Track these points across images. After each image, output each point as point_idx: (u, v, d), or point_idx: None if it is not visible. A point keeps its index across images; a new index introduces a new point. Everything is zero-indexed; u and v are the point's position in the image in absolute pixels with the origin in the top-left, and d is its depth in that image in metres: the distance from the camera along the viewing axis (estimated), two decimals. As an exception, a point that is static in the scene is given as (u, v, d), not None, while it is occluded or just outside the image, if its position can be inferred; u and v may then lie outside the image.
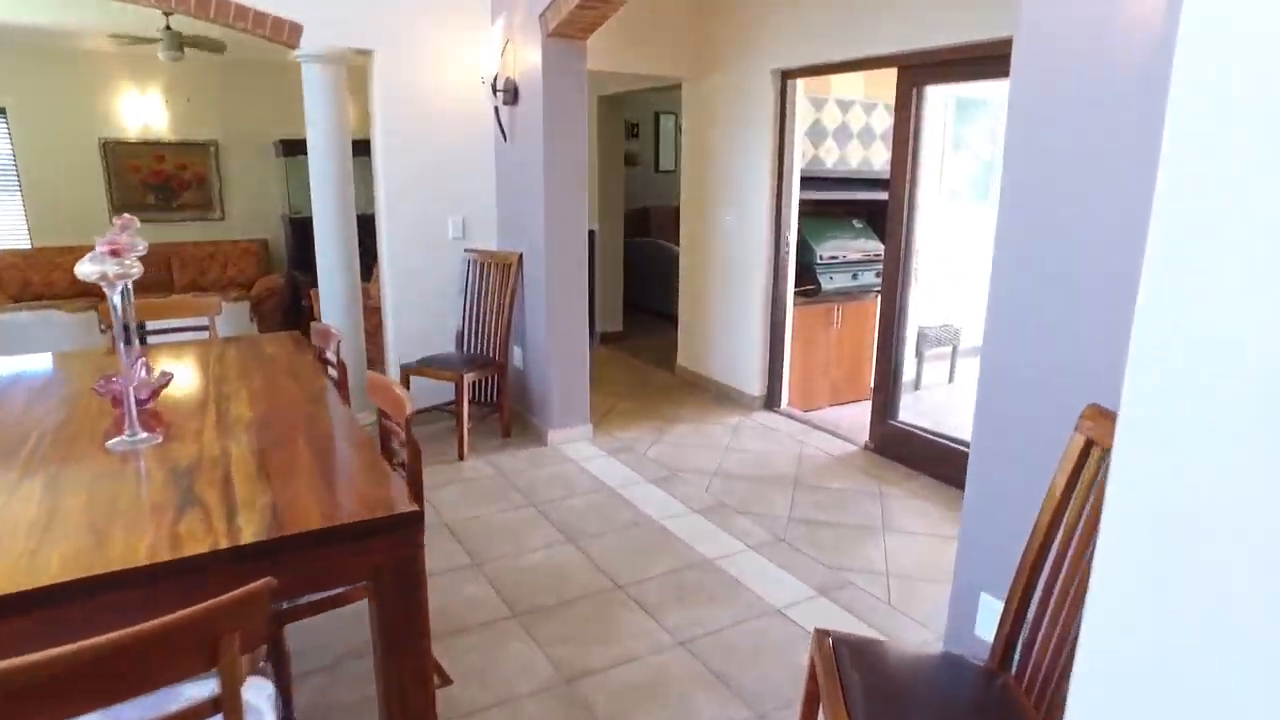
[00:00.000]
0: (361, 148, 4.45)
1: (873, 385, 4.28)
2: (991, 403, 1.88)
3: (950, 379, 5.54)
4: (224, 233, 7.23)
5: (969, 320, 5.40)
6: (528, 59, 3.95)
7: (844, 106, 5.04)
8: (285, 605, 1.84)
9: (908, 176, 3.85)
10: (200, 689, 1.32)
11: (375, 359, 4.91)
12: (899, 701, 1.56)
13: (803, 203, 4.69)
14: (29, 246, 6.52)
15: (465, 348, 4.41)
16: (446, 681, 2.21)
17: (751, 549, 3.05)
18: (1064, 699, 0.80)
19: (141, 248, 2.26)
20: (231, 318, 4.69)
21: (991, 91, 5.45)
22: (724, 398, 5.04)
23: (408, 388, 4.13)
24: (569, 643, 2.43)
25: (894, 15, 3.66)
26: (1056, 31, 1.67)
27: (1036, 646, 1.53)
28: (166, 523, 1.50)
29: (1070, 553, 1.50)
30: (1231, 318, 0.56)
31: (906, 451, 3.96)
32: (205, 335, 3.32)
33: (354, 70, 4.34)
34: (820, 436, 4.38)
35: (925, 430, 3.93)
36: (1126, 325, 1.59)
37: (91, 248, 1.86)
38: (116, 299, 1.89)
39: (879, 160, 5.22)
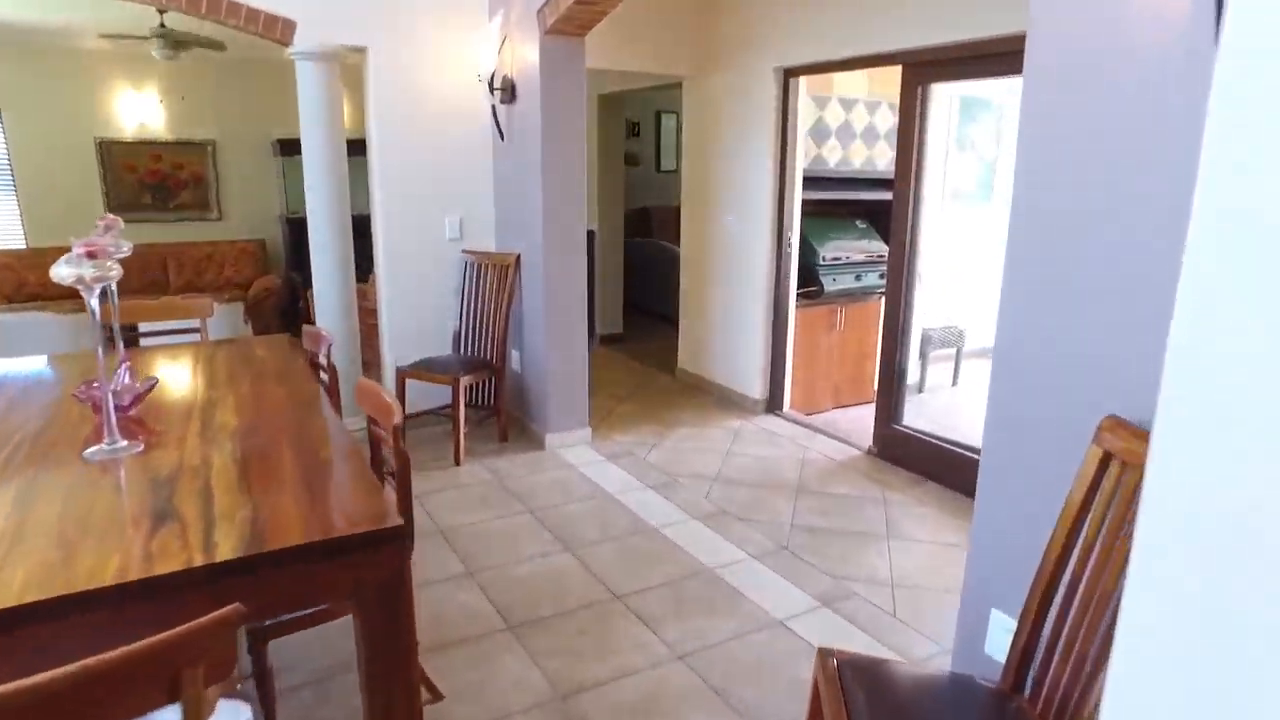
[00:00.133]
0: (358, 147, 4.38)
1: (876, 388, 4.21)
2: (1003, 412, 1.81)
3: (954, 381, 5.47)
4: (221, 233, 7.17)
5: (973, 321, 5.33)
6: (525, 56, 3.89)
7: (847, 105, 4.97)
8: (268, 622, 1.78)
9: (912, 176, 3.78)
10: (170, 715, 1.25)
11: (371, 361, 4.85)
12: (907, 725, 1.49)
13: (805, 203, 4.62)
14: (24, 247, 6.47)
15: (462, 350, 4.34)
16: (437, 697, 2.15)
17: (753, 557, 2.98)
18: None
19: (125, 249, 2.20)
20: (224, 320, 4.62)
21: (996, 90, 5.38)
22: (725, 401, 4.97)
23: (403, 391, 4.07)
24: (564, 656, 2.36)
25: (899, 12, 3.59)
26: (1071, 31, 1.60)
27: (1052, 668, 1.46)
28: (140, 537, 1.43)
29: (1088, 570, 1.43)
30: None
31: (910, 456, 3.88)
32: (197, 338, 3.25)
33: (351, 69, 4.27)
34: (823, 440, 4.31)
35: (930, 435, 3.86)
36: (1144, 333, 1.52)
37: (86, 248, 1.80)
38: (95, 302, 1.82)
39: (883, 160, 5.15)
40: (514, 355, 4.40)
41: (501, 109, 4.16)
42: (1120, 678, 0.63)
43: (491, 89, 4.07)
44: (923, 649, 2.41)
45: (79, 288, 1.78)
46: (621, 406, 4.86)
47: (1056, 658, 1.45)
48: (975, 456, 3.48)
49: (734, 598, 2.70)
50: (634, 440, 4.26)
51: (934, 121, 3.79)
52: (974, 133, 5.48)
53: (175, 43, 5.17)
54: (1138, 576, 0.63)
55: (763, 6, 4.35)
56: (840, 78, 4.81)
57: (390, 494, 1.88)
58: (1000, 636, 1.79)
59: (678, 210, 5.48)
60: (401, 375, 4.05)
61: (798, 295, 4.69)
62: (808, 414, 4.77)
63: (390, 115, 4.05)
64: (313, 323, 4.15)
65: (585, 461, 3.95)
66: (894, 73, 3.92)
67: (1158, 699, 0.60)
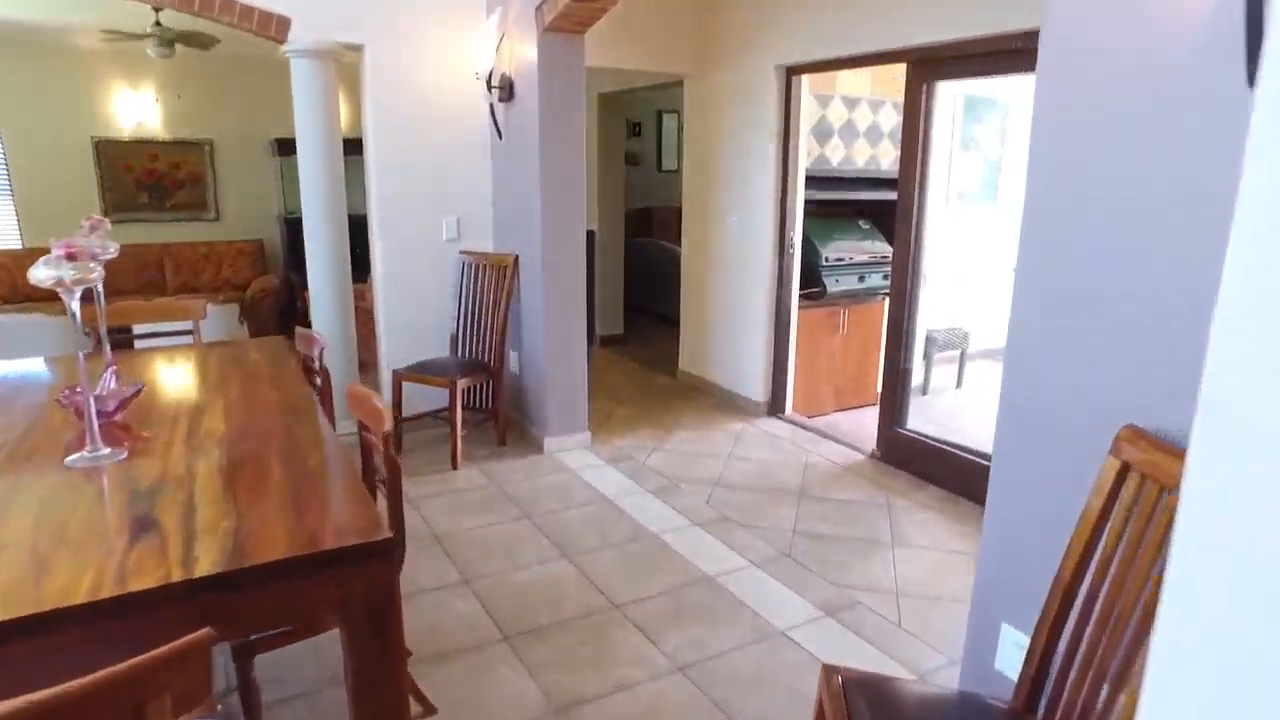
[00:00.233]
0: (355, 147, 4.32)
1: (880, 391, 4.14)
2: (1014, 420, 1.74)
3: (958, 384, 5.41)
4: (219, 233, 7.11)
5: (977, 323, 5.27)
6: (524, 54, 3.83)
7: (850, 104, 4.91)
8: (252, 637, 1.72)
9: (917, 175, 3.72)
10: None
11: (369, 363, 4.79)
12: (916, 747, 1.43)
13: (808, 203, 4.56)
14: (20, 247, 6.41)
15: (460, 352, 4.28)
16: (429, 711, 2.09)
17: (754, 565, 2.92)
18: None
19: (112, 250, 2.14)
20: (220, 321, 4.57)
21: (1001, 88, 5.32)
22: (726, 403, 4.91)
23: (400, 393, 4.01)
24: (561, 668, 2.30)
25: (903, 8, 3.53)
26: (1088, 31, 1.53)
27: (1068, 688, 1.40)
28: (117, 551, 1.37)
29: (1106, 585, 1.36)
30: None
31: (915, 460, 3.82)
32: (190, 340, 3.20)
33: (348, 67, 4.22)
34: (825, 444, 4.25)
35: (934, 439, 3.80)
36: (1163, 339, 1.46)
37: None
38: (75, 305, 1.76)
39: (886, 159, 5.10)
40: (512, 357, 4.34)
41: (500, 108, 4.10)
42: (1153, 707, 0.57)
43: (489, 87, 4.01)
44: (930, 661, 2.35)
45: (59, 290, 1.73)
46: (621, 409, 4.80)
47: (1072, 677, 1.39)
48: (981, 461, 3.45)
49: (735, 607, 2.64)
50: (634, 444, 4.20)
51: (938, 120, 3.73)
52: (978, 132, 5.42)
53: (170, 41, 5.12)
54: (1171, 606, 0.57)
55: (764, 4, 4.29)
56: (843, 76, 4.75)
57: (381, 504, 1.82)
58: (1011, 652, 1.73)
59: (679, 210, 5.42)
60: (398, 377, 4.00)
61: (800, 296, 4.63)
62: (810, 417, 4.71)
63: (387, 114, 4.00)
64: (309, 324, 4.09)
65: (584, 466, 3.89)
66: (897, 71, 3.86)
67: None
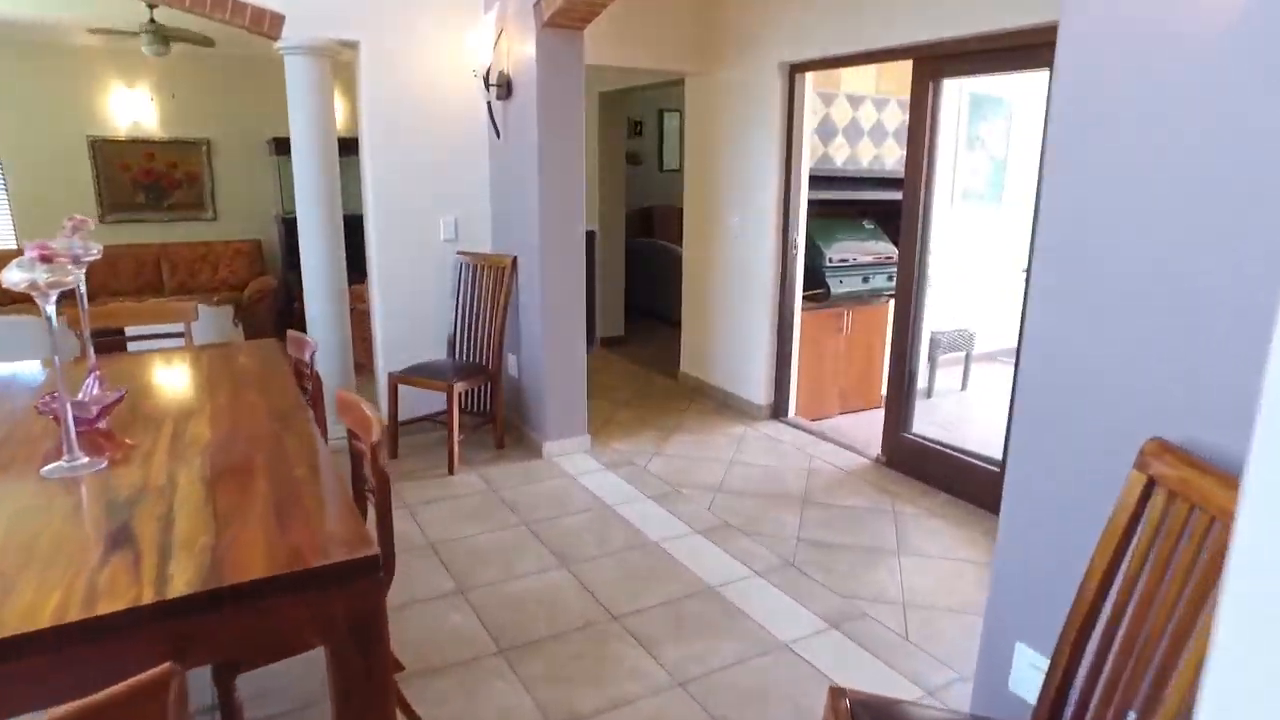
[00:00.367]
0: (351, 146, 4.26)
1: (885, 394, 4.07)
2: (1029, 429, 1.67)
3: (963, 386, 5.33)
4: (216, 233, 7.05)
5: (983, 324, 5.19)
6: (522, 51, 3.75)
7: (854, 102, 4.83)
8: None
9: (923, 175, 3.64)
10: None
11: (365, 366, 4.72)
12: (929, 776, 1.36)
13: (811, 203, 4.48)
14: (15, 247, 6.35)
15: (457, 354, 4.21)
16: (422, 729, 2.02)
17: (757, 574, 2.85)
18: None
19: (95, 252, 2.08)
20: (215, 322, 4.49)
21: (1007, 87, 5.24)
22: (728, 406, 4.83)
23: (396, 397, 3.94)
24: (558, 683, 2.23)
25: (909, 5, 3.45)
26: (1107, 30, 1.46)
27: (1090, 714, 1.33)
28: (88, 569, 1.31)
29: (1131, 608, 1.29)
30: None
31: (921, 465, 3.75)
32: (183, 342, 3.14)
33: (343, 66, 4.15)
34: (829, 448, 4.17)
35: (941, 444, 3.72)
36: (1192, 347, 1.38)
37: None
38: (50, 309, 1.70)
39: (891, 159, 5.02)
40: (511, 360, 4.27)
41: (498, 105, 4.03)
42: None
43: (487, 85, 3.94)
44: (939, 676, 2.28)
45: (33, 294, 1.66)
46: (621, 412, 4.73)
47: (1094, 704, 1.32)
48: (989, 467, 3.37)
49: (737, 618, 2.56)
50: (634, 448, 4.13)
51: (943, 119, 3.66)
52: (984, 131, 5.34)
53: (165, 39, 5.05)
54: (1225, 643, 0.50)
55: (767, 0, 4.22)
56: (847, 74, 4.68)
57: (371, 516, 1.75)
58: (1026, 673, 1.65)
59: (680, 210, 5.35)
60: (394, 380, 3.93)
61: (803, 297, 4.55)
62: (813, 420, 4.64)
63: (383, 112, 3.93)
64: (309, 324, 4.02)
65: (583, 470, 3.82)
66: (902, 68, 3.78)
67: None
